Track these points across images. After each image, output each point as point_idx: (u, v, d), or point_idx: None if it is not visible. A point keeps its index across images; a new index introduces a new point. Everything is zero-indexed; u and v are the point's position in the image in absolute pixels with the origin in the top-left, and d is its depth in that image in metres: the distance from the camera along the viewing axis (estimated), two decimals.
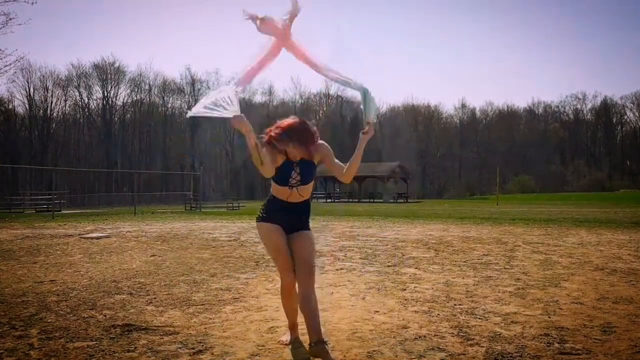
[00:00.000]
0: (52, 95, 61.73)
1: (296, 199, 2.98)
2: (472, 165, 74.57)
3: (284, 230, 2.96)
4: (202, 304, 3.93)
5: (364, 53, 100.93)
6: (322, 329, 2.75)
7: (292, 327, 3.07)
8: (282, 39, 3.12)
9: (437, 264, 6.02)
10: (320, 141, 2.98)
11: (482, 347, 2.85)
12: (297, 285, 2.91)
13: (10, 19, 19.69)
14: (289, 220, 2.97)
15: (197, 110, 2.91)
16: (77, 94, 64.38)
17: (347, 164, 2.94)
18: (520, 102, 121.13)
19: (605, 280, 4.92)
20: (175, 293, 4.37)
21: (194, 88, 69.87)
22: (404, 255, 6.79)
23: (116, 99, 66.38)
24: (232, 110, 2.79)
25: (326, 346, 2.66)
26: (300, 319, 2.86)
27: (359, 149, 2.91)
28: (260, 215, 3.00)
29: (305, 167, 2.95)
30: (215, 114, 2.86)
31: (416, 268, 5.69)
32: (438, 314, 3.60)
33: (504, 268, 5.67)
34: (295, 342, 2.95)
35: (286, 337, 3.04)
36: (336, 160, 2.99)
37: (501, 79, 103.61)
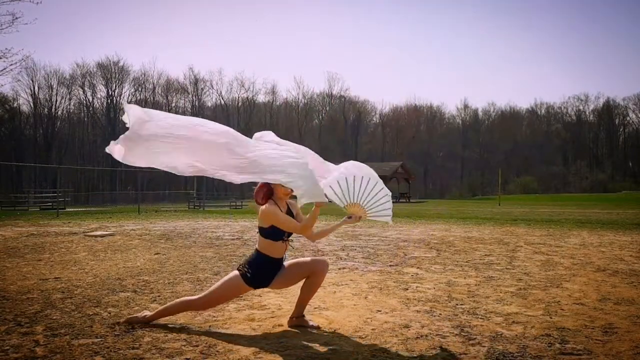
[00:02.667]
0: (56, 94, 61.95)
1: (285, 252, 3.23)
2: (474, 165, 74.45)
3: (265, 285, 3.21)
4: None
5: (367, 53, 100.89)
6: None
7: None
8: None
9: (439, 263, 6.04)
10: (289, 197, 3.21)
11: (483, 346, 2.87)
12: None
13: (16, 18, 19.86)
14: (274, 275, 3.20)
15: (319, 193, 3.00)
16: (81, 92, 64.61)
17: (320, 228, 3.33)
18: (523, 103, 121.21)
19: (606, 281, 4.93)
20: (179, 291, 4.40)
21: (197, 87, 70.01)
22: (406, 255, 6.81)
23: (120, 98, 66.51)
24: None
25: (304, 318, 3.26)
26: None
27: (335, 226, 3.32)
28: (246, 273, 3.13)
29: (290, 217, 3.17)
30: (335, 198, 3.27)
31: (418, 268, 5.70)
32: (440, 314, 3.61)
33: (506, 268, 5.68)
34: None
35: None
36: (301, 217, 3.24)
37: (503, 79, 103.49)
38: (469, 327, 3.27)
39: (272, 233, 3.10)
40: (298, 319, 3.27)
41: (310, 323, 3.28)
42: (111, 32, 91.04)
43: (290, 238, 3.20)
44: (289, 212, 3.20)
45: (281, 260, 3.21)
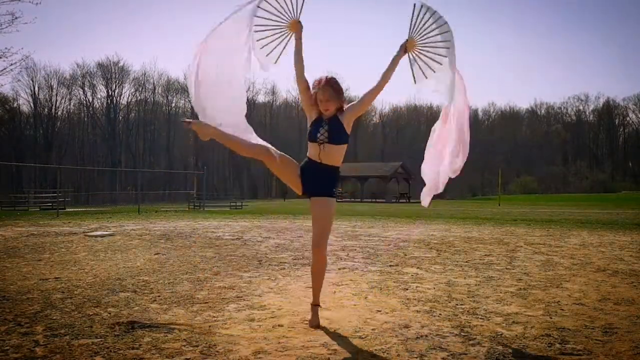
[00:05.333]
0: (56, 94, 62.01)
1: (326, 160, 3.27)
2: (474, 165, 74.36)
3: (308, 191, 3.32)
4: (206, 302, 3.96)
5: (367, 53, 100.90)
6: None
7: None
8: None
9: (439, 264, 6.04)
10: (346, 106, 3.34)
11: (483, 347, 2.87)
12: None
13: (16, 18, 19.88)
14: (314, 181, 3.29)
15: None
16: (81, 92, 64.65)
17: (379, 84, 3.36)
18: (523, 103, 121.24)
19: (606, 281, 4.93)
20: (179, 291, 4.40)
21: None
22: (406, 255, 6.81)
23: (120, 98, 66.55)
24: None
25: (317, 308, 3.34)
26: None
27: (394, 63, 3.41)
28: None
29: (333, 125, 3.26)
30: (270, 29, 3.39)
31: (418, 268, 5.70)
32: (440, 314, 3.61)
33: (506, 268, 5.68)
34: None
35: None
36: (360, 102, 3.37)
37: (503, 80, 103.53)
38: (469, 327, 3.27)
39: (308, 136, 3.37)
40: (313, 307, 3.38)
41: (316, 320, 3.32)
42: (111, 32, 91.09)
43: (324, 142, 3.26)
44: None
45: (319, 166, 3.29)
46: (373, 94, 3.36)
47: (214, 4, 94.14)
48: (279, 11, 3.47)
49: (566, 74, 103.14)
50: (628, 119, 76.02)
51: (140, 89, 67.31)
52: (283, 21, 3.49)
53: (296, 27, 3.45)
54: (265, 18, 3.45)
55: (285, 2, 3.45)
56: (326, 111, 3.27)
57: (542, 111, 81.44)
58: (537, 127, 79.69)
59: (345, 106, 3.34)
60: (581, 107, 78.28)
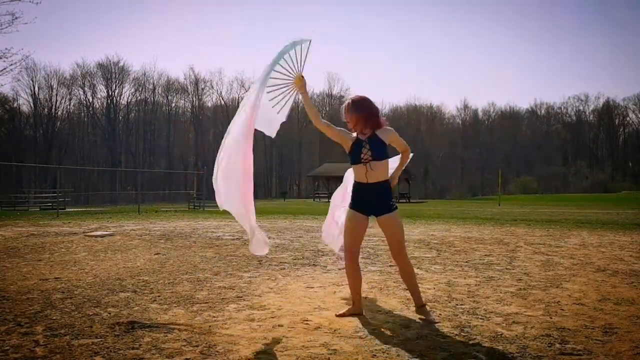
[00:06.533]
0: (56, 94, 62.08)
1: (373, 178, 3.36)
2: (474, 166, 74.43)
3: (368, 213, 3.43)
4: (206, 302, 3.96)
5: (367, 53, 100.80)
6: (422, 296, 3.62)
7: (354, 302, 3.54)
8: None
9: (439, 264, 6.04)
10: (388, 127, 3.49)
11: (483, 347, 2.87)
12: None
13: (16, 18, 19.91)
14: (371, 203, 3.39)
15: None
16: (81, 92, 64.70)
17: (407, 155, 3.69)
18: (523, 103, 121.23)
19: (606, 281, 4.93)
20: (179, 291, 4.40)
21: (197, 87, 69.97)
22: None
23: (120, 98, 66.54)
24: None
25: (426, 307, 3.51)
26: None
27: (398, 172, 3.67)
28: (350, 202, 3.50)
29: (374, 143, 3.38)
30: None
31: (418, 268, 5.70)
32: (440, 314, 3.61)
33: (506, 268, 5.68)
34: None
35: (346, 310, 3.52)
36: (401, 140, 3.56)
37: (503, 80, 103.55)
38: (469, 327, 3.27)
39: (350, 161, 3.47)
40: (418, 309, 3.54)
41: (432, 317, 3.44)
42: (111, 32, 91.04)
43: (369, 161, 3.38)
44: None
45: (369, 186, 3.39)
46: (402, 150, 3.65)
47: (214, 4, 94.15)
48: (285, 71, 3.55)
49: (566, 74, 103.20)
50: (628, 119, 76.11)
51: (140, 89, 67.37)
52: (289, 79, 3.59)
53: (301, 82, 3.55)
54: (272, 78, 3.55)
55: (288, 62, 3.53)
56: (362, 134, 3.40)
57: (542, 111, 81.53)
58: (537, 127, 79.69)
59: (387, 126, 3.49)
60: (581, 107, 78.37)
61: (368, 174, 3.35)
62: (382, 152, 3.36)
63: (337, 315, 3.49)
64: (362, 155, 3.34)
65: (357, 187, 3.42)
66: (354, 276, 3.51)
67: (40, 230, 10.52)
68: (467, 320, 3.43)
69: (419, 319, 3.47)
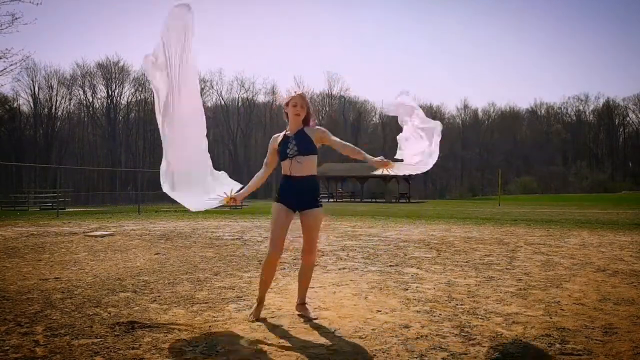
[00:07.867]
0: (56, 94, 62.08)
1: (298, 172, 3.40)
2: (474, 166, 74.48)
3: (294, 207, 3.43)
4: (206, 302, 3.96)
5: (367, 53, 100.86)
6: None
7: (260, 301, 3.53)
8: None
9: (439, 264, 6.04)
10: (318, 127, 3.53)
11: (483, 347, 2.87)
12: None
13: (16, 18, 19.88)
14: (297, 197, 3.42)
15: (198, 205, 3.69)
16: (81, 92, 64.71)
17: (351, 146, 3.54)
18: (523, 103, 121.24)
19: (606, 281, 4.93)
20: (179, 291, 4.40)
21: None
22: (406, 255, 6.81)
23: (120, 98, 66.55)
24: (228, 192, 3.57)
25: (307, 306, 3.58)
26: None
27: (365, 157, 3.51)
28: (275, 196, 3.52)
29: (300, 139, 3.43)
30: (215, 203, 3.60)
31: (418, 268, 5.70)
32: (440, 314, 3.61)
33: (506, 268, 5.68)
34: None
35: (252, 313, 3.48)
36: (335, 138, 3.51)
37: (504, 80, 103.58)
38: (469, 327, 3.27)
39: (279, 159, 3.51)
40: (300, 306, 3.61)
41: (311, 315, 3.50)
42: (111, 32, 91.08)
43: (294, 156, 3.40)
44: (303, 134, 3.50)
45: (295, 180, 3.41)
46: (341, 148, 3.53)
47: (214, 4, 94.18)
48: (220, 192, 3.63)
49: (566, 74, 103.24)
50: (628, 119, 76.13)
51: (140, 89, 67.37)
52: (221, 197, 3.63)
53: (231, 199, 3.55)
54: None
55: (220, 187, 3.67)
56: (297, 116, 3.44)
57: (542, 111, 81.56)
58: (537, 127, 79.70)
59: (316, 124, 3.55)
60: (581, 107, 78.42)
61: (292, 168, 3.39)
62: (307, 147, 3.41)
63: (250, 321, 3.39)
64: (288, 151, 3.41)
65: (283, 181, 3.46)
66: (272, 272, 3.49)
67: (40, 230, 10.52)
68: (467, 320, 3.43)
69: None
